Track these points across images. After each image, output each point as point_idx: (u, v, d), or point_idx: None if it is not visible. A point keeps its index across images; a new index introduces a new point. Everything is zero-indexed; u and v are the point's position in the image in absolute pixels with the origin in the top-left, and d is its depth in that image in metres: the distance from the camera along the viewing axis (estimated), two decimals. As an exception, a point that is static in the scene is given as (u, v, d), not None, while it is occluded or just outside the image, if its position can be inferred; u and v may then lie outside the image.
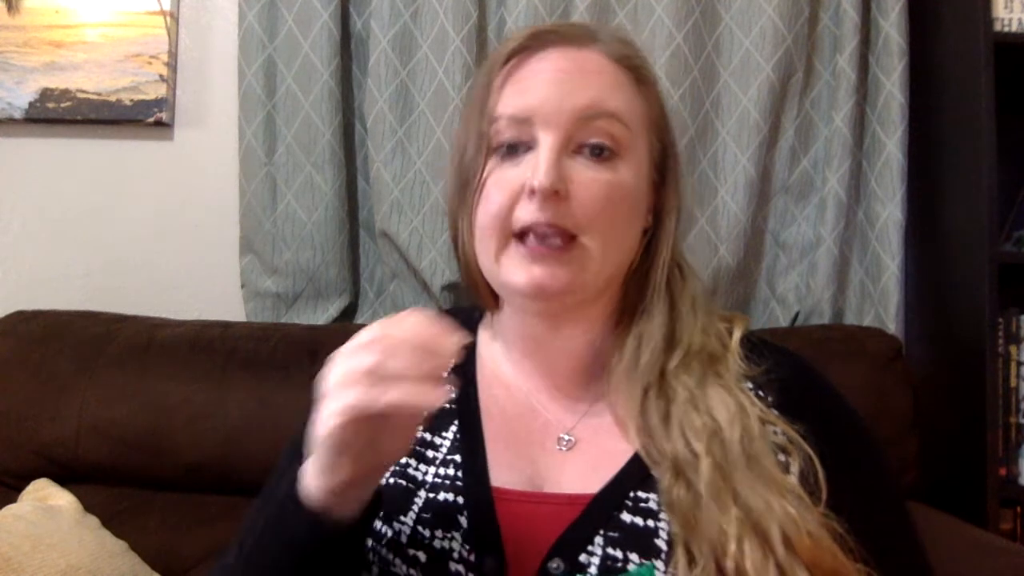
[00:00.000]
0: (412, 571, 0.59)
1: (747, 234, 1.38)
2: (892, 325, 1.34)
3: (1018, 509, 1.29)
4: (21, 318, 1.24)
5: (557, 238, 0.61)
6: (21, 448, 1.14)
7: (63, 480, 1.12)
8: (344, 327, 1.34)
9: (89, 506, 1.07)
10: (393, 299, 1.42)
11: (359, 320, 1.43)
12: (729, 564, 0.53)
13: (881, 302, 1.35)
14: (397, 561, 0.60)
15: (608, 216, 0.62)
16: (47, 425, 1.14)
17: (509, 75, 0.65)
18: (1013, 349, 1.28)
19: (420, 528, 0.60)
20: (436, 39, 1.33)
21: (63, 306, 1.28)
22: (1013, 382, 1.28)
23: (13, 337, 1.20)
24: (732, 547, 0.53)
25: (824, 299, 1.36)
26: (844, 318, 1.39)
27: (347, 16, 1.39)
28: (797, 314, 1.40)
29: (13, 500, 1.07)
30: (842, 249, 1.37)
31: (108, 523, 1.06)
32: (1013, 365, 1.28)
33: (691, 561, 0.55)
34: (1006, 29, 1.28)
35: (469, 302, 1.43)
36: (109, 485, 1.14)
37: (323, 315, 1.39)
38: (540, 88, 0.63)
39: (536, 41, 0.65)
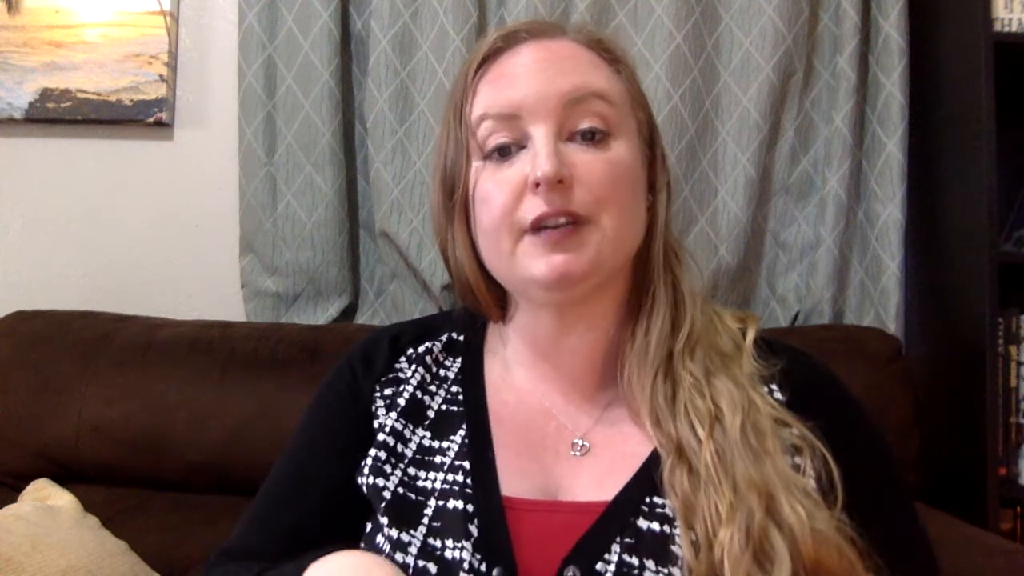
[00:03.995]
0: None
1: (747, 234, 1.38)
2: (892, 325, 1.33)
3: (1018, 509, 1.29)
4: (21, 318, 1.24)
5: (569, 223, 0.60)
6: (21, 448, 1.14)
7: (63, 480, 1.12)
8: (344, 327, 1.34)
9: (89, 506, 1.07)
10: (393, 299, 1.42)
11: (359, 320, 1.43)
12: (717, 552, 0.53)
13: (881, 302, 1.35)
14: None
15: (615, 194, 0.61)
16: (47, 425, 1.14)
17: (485, 77, 0.64)
18: (1013, 349, 1.28)
19: (431, 539, 0.59)
20: (436, 39, 1.33)
21: (63, 306, 1.28)
22: (1013, 382, 1.28)
23: (13, 337, 1.20)
24: (722, 533, 0.53)
25: (824, 299, 1.36)
26: (844, 318, 1.39)
27: (347, 16, 1.39)
28: (797, 314, 1.39)
29: (13, 500, 1.07)
30: (842, 249, 1.37)
31: (108, 523, 1.06)
32: (1013, 365, 1.28)
33: (695, 546, 0.54)
34: (1006, 29, 1.28)
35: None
36: (109, 485, 1.14)
37: (323, 315, 1.39)
38: (522, 80, 0.62)
39: (507, 41, 0.65)
